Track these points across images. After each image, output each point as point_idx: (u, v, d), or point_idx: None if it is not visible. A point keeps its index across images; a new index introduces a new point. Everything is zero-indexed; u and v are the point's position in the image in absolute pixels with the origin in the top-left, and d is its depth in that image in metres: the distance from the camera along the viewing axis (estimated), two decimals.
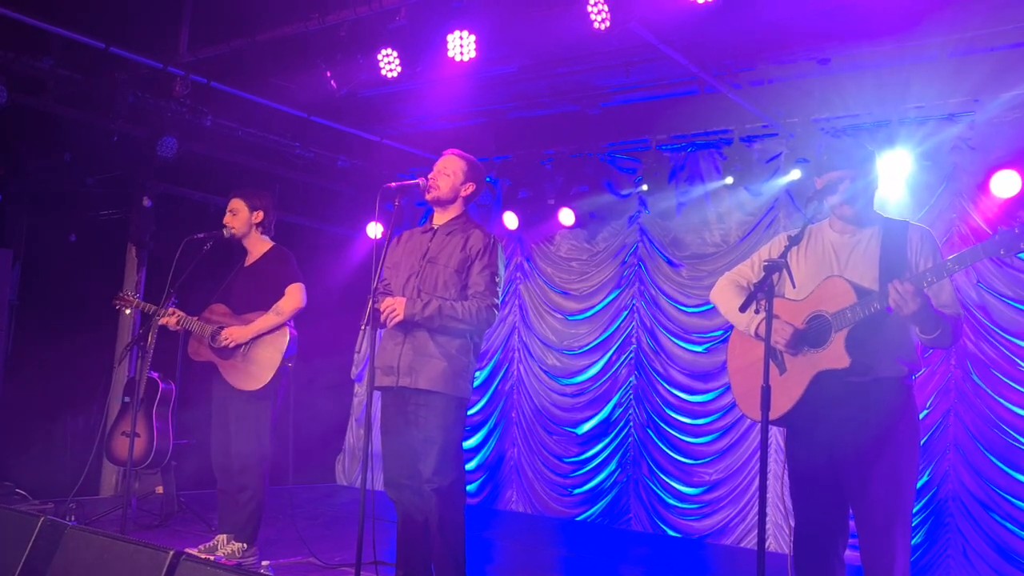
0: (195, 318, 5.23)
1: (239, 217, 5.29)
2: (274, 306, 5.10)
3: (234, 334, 5.05)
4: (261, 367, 5.04)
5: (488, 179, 8.02)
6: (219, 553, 5.02)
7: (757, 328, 3.49)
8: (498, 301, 4.17)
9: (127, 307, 5.54)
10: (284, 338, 5.09)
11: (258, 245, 5.36)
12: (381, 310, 4.03)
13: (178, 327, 5.24)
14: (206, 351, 5.16)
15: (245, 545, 5.05)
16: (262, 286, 5.20)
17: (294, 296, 5.12)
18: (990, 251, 3.00)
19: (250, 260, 5.38)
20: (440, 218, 4.33)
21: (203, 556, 4.86)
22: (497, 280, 4.18)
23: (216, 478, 5.22)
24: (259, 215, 5.31)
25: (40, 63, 6.12)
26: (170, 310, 5.24)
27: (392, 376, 4.13)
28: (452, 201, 4.30)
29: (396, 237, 4.46)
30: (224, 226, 5.30)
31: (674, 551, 6.78)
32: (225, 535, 5.15)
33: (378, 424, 4.30)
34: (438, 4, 5.39)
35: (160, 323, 5.25)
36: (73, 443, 6.89)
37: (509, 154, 7.89)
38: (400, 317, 4.02)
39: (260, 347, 5.08)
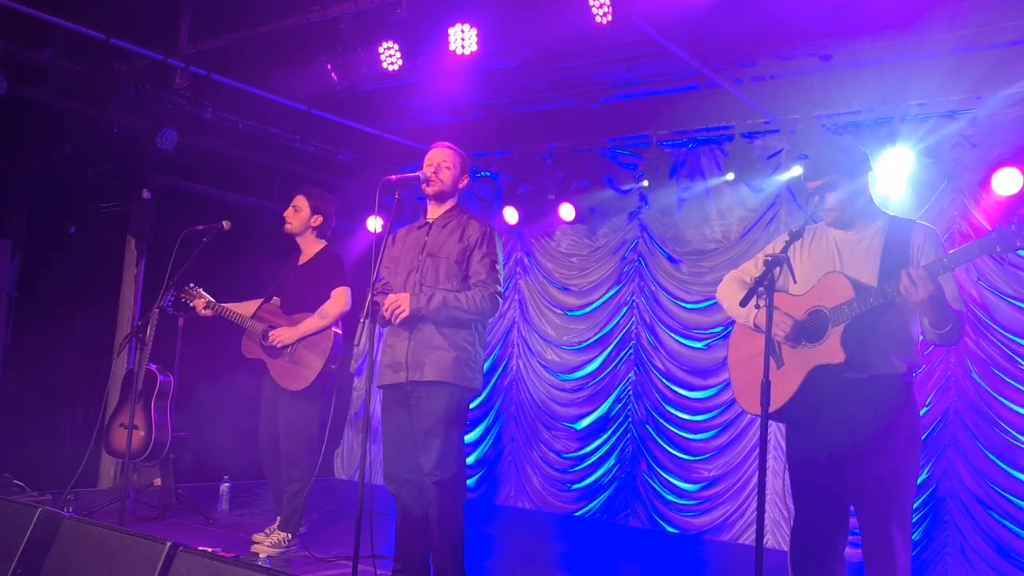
0: (248, 315, 5.37)
1: (300, 216, 5.47)
2: (319, 309, 5.24)
3: (282, 335, 5.21)
4: (307, 368, 5.19)
5: (488, 174, 8.02)
6: (266, 543, 5.26)
7: (756, 320, 3.50)
8: (500, 288, 4.19)
9: (191, 300, 5.56)
10: (328, 341, 5.21)
11: (312, 245, 5.53)
12: (384, 306, 4.04)
13: (206, 312, 5.41)
14: (257, 348, 5.33)
15: (290, 535, 5.27)
16: (311, 287, 5.34)
17: (339, 300, 5.28)
18: (987, 248, 2.99)
19: (303, 259, 5.54)
20: (435, 211, 4.36)
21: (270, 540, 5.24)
22: (498, 267, 4.20)
23: (264, 470, 5.46)
24: (318, 219, 5.49)
25: (40, 54, 6.09)
26: (197, 291, 5.43)
27: (401, 372, 4.13)
28: (452, 194, 4.34)
29: (391, 235, 4.45)
30: (284, 220, 5.50)
31: (672, 547, 6.78)
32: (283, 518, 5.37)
33: (376, 418, 4.33)
34: None
35: (191, 305, 5.45)
36: (71, 435, 6.88)
37: (510, 149, 7.88)
38: (406, 313, 4.03)
39: (306, 349, 5.22)
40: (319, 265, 5.45)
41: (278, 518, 5.40)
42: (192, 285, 5.55)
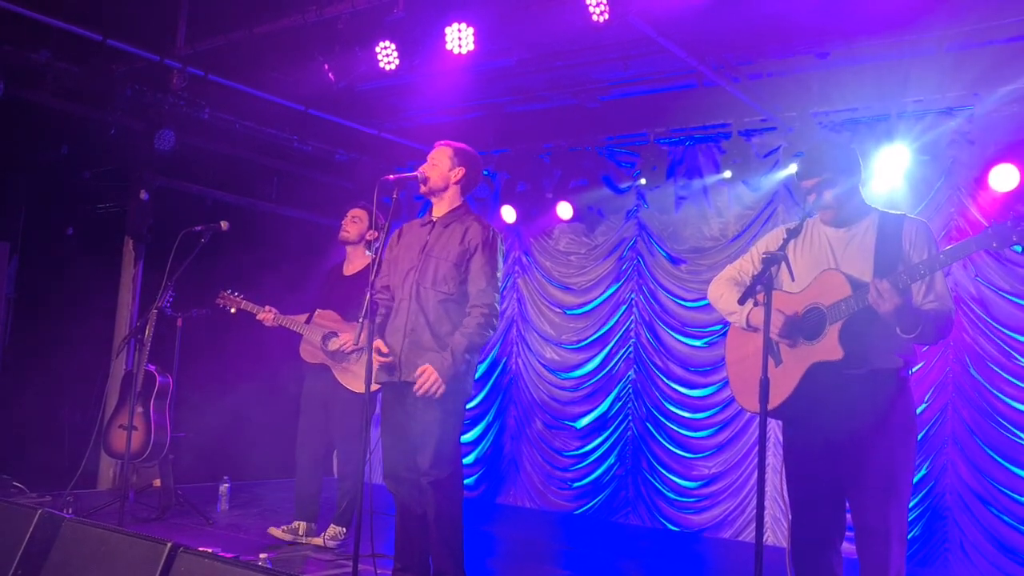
0: (304, 322, 5.56)
1: (358, 227, 5.66)
2: None
3: (352, 341, 5.30)
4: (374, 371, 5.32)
5: (486, 173, 8.01)
6: (328, 535, 5.48)
7: (749, 317, 3.50)
8: (497, 298, 4.15)
9: (231, 306, 5.71)
10: None
11: (361, 257, 5.67)
12: (417, 388, 4.00)
13: (274, 324, 5.58)
14: (319, 354, 5.47)
15: (344, 529, 5.50)
16: None
17: None
18: (983, 244, 2.99)
19: (352, 269, 5.67)
20: (438, 209, 4.32)
21: (287, 536, 5.49)
22: (497, 276, 4.16)
23: (296, 466, 5.62)
24: (374, 234, 5.62)
25: (37, 55, 6.09)
26: (266, 308, 5.59)
27: (395, 372, 4.15)
28: (445, 188, 4.29)
29: (396, 231, 4.46)
30: (343, 229, 5.65)
31: (672, 545, 6.79)
32: (304, 522, 5.55)
33: (378, 417, 4.33)
34: None
35: (258, 319, 5.60)
36: (70, 436, 6.88)
37: (507, 148, 7.88)
38: (443, 388, 3.98)
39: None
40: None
41: (302, 523, 5.55)
42: (232, 291, 5.70)
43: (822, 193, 3.36)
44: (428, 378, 3.98)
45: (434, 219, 4.31)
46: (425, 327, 4.10)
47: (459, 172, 4.29)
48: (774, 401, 3.31)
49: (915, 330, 3.13)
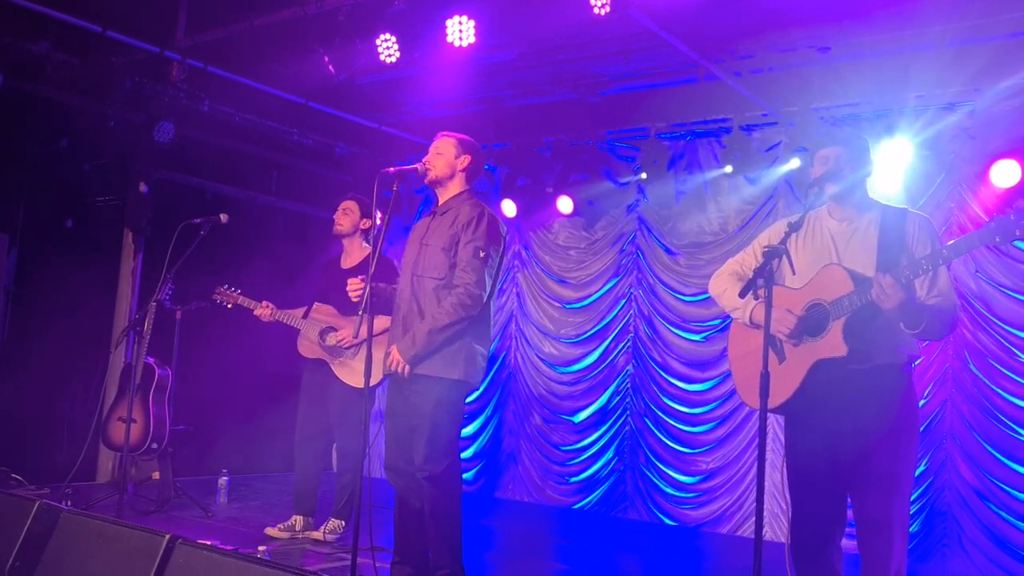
0: (301, 316, 5.50)
1: (350, 218, 5.59)
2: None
3: (350, 335, 5.27)
4: (376, 365, 5.20)
5: (486, 166, 7.99)
6: (327, 529, 5.46)
7: (752, 314, 3.49)
8: (479, 278, 4.03)
9: (228, 302, 5.67)
10: None
11: (358, 249, 5.61)
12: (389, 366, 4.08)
13: (271, 319, 5.54)
14: (317, 348, 5.42)
15: (343, 522, 5.48)
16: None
17: None
18: (986, 238, 2.98)
19: (349, 262, 5.60)
20: (441, 199, 4.30)
21: (283, 534, 5.45)
22: (482, 255, 4.06)
23: (295, 461, 5.58)
24: (367, 223, 5.55)
25: (37, 47, 6.07)
26: (263, 303, 5.54)
27: None
28: (451, 177, 4.26)
29: (412, 228, 4.49)
30: (336, 223, 5.60)
31: (670, 539, 6.79)
32: (302, 516, 5.52)
33: (375, 411, 4.34)
34: None
35: (255, 314, 5.55)
36: (69, 428, 6.88)
37: (508, 142, 7.86)
38: (406, 368, 4.05)
39: (374, 347, 5.25)
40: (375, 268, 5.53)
41: (299, 518, 5.52)
42: (229, 287, 5.66)
43: (841, 167, 3.32)
44: (392, 359, 4.06)
45: (436, 209, 4.31)
46: (417, 315, 4.09)
47: (465, 159, 4.27)
48: (779, 398, 3.30)
49: (919, 326, 3.13)
